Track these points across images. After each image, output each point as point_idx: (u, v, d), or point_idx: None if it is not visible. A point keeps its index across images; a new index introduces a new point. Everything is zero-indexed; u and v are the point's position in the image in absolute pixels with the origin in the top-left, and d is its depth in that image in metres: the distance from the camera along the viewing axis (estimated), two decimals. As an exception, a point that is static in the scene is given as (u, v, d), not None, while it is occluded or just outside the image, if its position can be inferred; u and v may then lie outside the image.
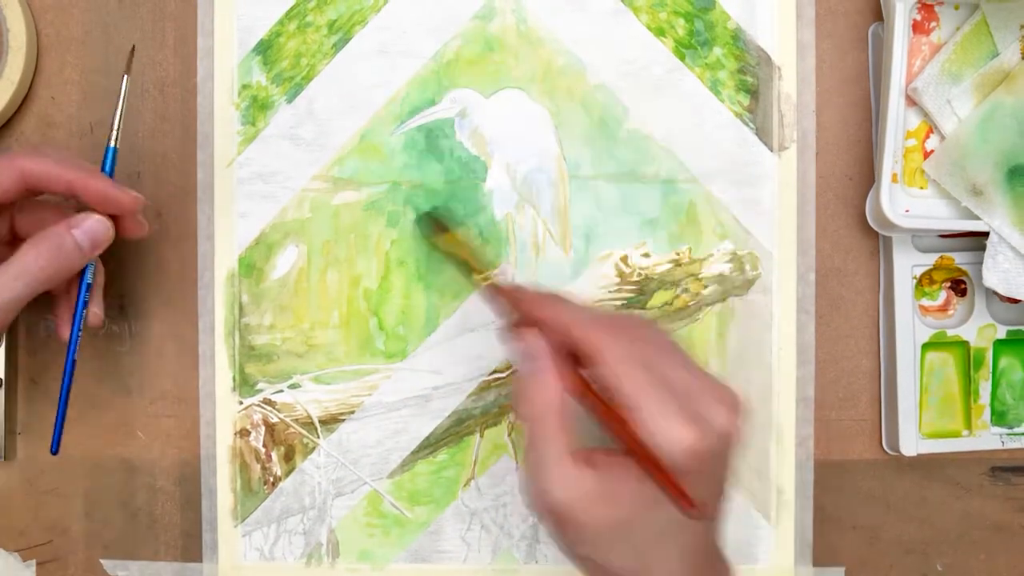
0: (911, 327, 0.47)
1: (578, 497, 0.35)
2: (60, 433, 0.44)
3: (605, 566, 0.36)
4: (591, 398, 0.36)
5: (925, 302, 0.49)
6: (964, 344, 0.48)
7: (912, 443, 0.47)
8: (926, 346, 0.48)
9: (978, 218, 0.45)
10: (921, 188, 0.47)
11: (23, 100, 0.48)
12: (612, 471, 0.35)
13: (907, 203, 0.47)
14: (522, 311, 0.38)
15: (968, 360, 0.48)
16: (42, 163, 0.39)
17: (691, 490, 0.34)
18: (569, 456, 0.35)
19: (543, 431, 0.36)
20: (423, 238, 0.47)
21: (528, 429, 0.36)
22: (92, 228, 0.40)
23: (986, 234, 0.45)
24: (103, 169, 0.42)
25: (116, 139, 0.42)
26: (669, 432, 0.33)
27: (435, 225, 0.46)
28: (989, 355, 0.48)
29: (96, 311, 0.43)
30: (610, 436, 0.36)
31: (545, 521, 0.36)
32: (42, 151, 0.40)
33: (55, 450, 0.44)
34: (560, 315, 0.37)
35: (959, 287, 0.49)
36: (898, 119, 0.45)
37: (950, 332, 0.48)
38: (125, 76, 0.42)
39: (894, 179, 0.46)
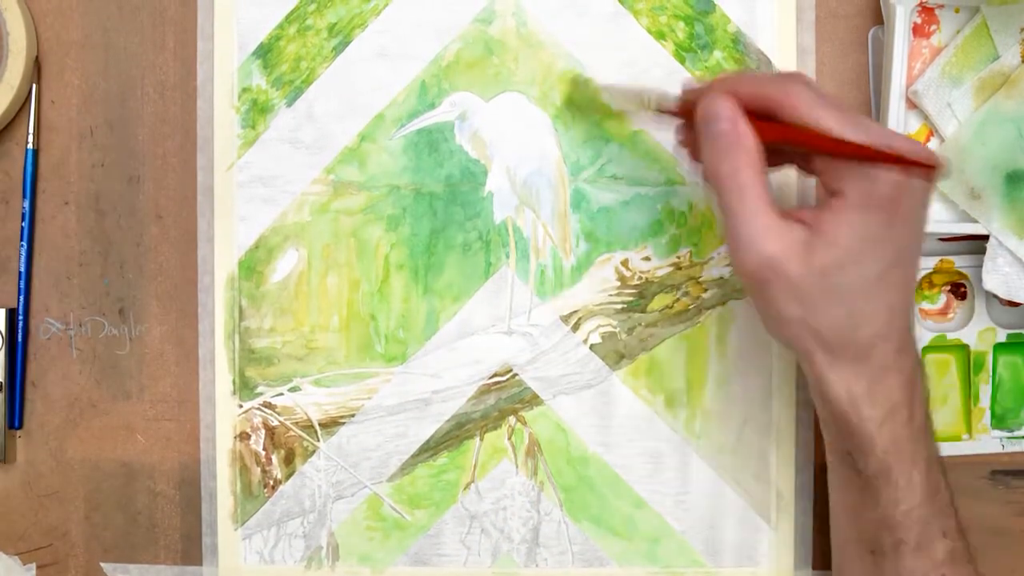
0: (911, 330, 0.47)
1: (789, 245, 0.35)
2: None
3: (813, 325, 0.36)
4: (791, 134, 0.36)
5: (925, 305, 0.49)
6: (964, 348, 0.48)
7: (912, 446, 0.47)
8: (926, 349, 0.48)
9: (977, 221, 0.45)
10: (922, 192, 0.47)
11: (23, 104, 0.48)
12: (822, 216, 0.35)
13: (908, 207, 0.47)
14: (706, 94, 0.38)
15: (968, 363, 0.48)
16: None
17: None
18: (774, 208, 0.36)
19: (745, 184, 0.36)
20: (576, 103, 0.47)
21: (726, 187, 0.36)
22: None
23: (986, 237, 0.45)
24: None
25: None
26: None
27: (581, 87, 0.46)
28: (989, 359, 0.48)
29: None
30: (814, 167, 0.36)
31: (753, 280, 0.36)
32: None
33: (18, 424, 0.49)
34: (743, 79, 0.38)
35: (959, 291, 0.49)
36: (899, 122, 0.45)
37: (950, 335, 0.48)
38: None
39: (894, 183, 0.46)
